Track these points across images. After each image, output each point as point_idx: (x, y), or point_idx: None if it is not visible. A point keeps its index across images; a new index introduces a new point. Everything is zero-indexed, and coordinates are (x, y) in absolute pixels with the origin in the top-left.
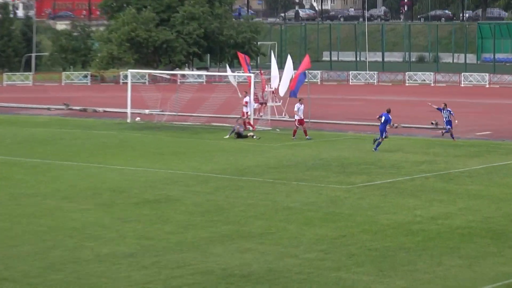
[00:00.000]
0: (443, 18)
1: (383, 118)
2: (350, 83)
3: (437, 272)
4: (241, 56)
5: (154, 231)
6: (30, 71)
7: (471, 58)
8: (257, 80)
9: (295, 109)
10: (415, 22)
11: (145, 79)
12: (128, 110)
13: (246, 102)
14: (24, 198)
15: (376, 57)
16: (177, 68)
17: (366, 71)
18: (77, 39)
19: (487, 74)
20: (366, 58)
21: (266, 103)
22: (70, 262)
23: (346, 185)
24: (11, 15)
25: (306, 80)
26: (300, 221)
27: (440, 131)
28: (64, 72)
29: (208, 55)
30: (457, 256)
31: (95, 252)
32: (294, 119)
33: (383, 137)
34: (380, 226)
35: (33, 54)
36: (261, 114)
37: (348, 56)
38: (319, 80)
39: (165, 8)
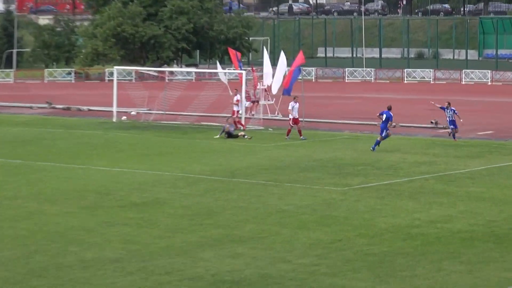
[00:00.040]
0: (441, 13)
1: (384, 116)
2: (346, 81)
3: (437, 278)
4: (232, 52)
5: (141, 235)
6: (11, 68)
7: (473, 54)
8: (249, 77)
9: (290, 107)
10: (414, 17)
11: (132, 76)
12: (114, 109)
13: (238, 101)
14: (5, 200)
15: (373, 53)
16: (165, 65)
17: (363, 68)
18: (60, 34)
19: (489, 71)
20: (362, 55)
21: (258, 101)
22: (53, 267)
23: (342, 187)
24: None
25: (299, 77)
26: (294, 225)
27: (447, 133)
28: (47, 69)
29: (198, 51)
30: (458, 261)
31: (79, 257)
32: (288, 118)
33: (383, 135)
34: (377, 230)
35: (14, 50)
36: (253, 113)
37: (344, 52)
38: (313, 78)
39: (152, 2)
